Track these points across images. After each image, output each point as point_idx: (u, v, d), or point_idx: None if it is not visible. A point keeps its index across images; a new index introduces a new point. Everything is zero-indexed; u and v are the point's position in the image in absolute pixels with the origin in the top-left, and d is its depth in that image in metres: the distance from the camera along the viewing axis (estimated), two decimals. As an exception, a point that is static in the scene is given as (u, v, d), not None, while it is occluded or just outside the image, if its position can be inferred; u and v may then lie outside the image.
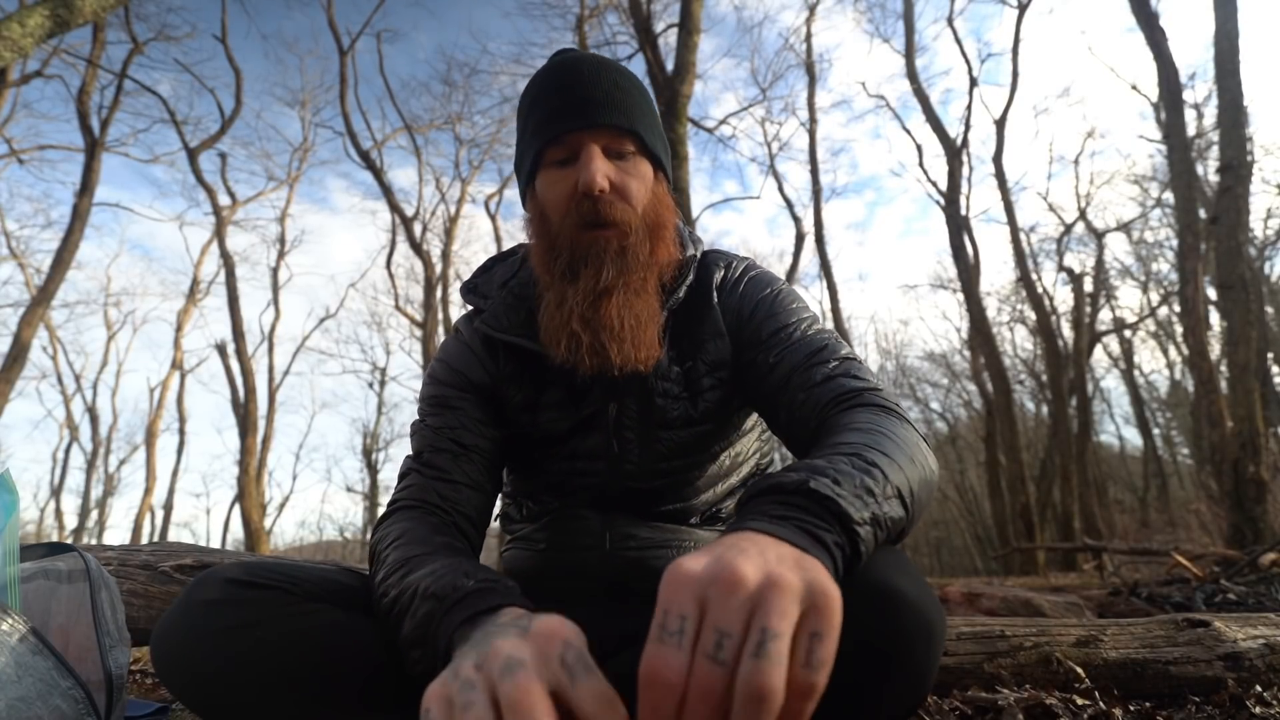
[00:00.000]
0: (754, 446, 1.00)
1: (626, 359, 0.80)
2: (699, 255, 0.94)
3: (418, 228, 15.61)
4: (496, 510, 0.96)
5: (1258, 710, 1.16)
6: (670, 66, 7.31)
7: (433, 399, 0.91)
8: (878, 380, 0.77)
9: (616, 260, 0.81)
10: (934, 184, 13.72)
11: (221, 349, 14.17)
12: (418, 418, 0.92)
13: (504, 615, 0.54)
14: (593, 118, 0.82)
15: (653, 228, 0.85)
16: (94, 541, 7.43)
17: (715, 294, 0.91)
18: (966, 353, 18.22)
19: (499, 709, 0.39)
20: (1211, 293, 7.37)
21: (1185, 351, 12.39)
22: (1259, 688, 1.26)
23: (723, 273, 0.93)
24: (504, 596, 0.57)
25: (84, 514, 19.98)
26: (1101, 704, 1.20)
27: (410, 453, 0.88)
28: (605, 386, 0.87)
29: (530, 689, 0.39)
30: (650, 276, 0.84)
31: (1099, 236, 16.07)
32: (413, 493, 0.82)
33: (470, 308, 0.98)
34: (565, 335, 0.81)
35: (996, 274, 39.89)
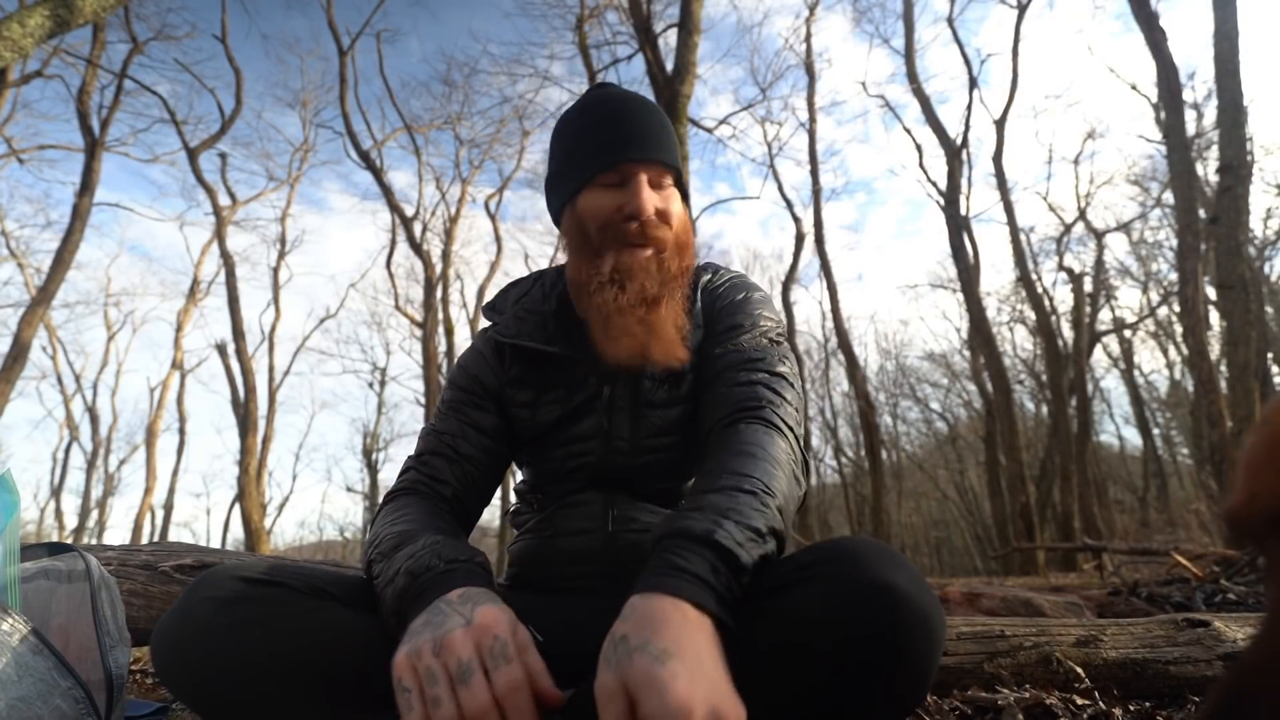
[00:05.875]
0: None
1: (667, 357, 0.90)
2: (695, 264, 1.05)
3: (418, 228, 15.61)
4: (498, 512, 1.01)
5: (1258, 710, 1.16)
6: (670, 66, 7.31)
7: (445, 403, 1.02)
8: (792, 399, 0.87)
9: (658, 274, 0.93)
10: (934, 184, 13.74)
11: (221, 349, 14.17)
12: (431, 421, 1.02)
13: (455, 594, 0.63)
14: (646, 153, 0.93)
15: (681, 247, 0.96)
16: (94, 541, 7.43)
17: (699, 292, 1.03)
18: (966, 353, 18.24)
19: (460, 709, 0.51)
20: (1211, 293, 7.37)
21: (1185, 351, 12.40)
22: (1259, 687, 1.26)
23: (710, 276, 1.06)
24: (465, 578, 0.66)
25: (84, 514, 20.00)
26: (1101, 704, 1.20)
27: (413, 453, 0.98)
28: (601, 374, 0.95)
29: (485, 700, 0.50)
30: (680, 287, 0.96)
31: (1099, 236, 16.08)
32: (409, 479, 0.93)
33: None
34: (624, 336, 0.90)
35: (997, 274, 39.88)
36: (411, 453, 0.98)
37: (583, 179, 0.95)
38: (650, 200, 0.92)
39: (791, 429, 0.83)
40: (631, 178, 0.93)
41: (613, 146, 0.94)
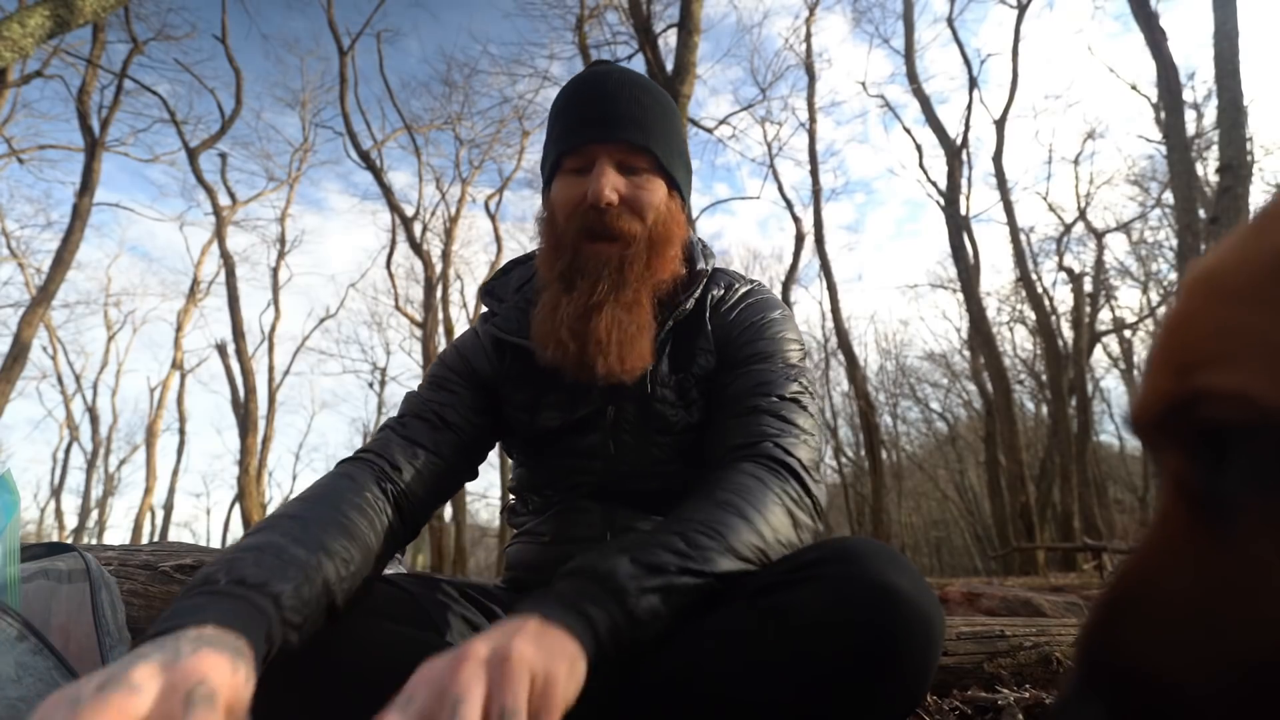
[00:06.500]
0: None
1: (611, 371, 0.82)
2: (710, 271, 0.97)
3: (418, 228, 15.58)
4: (498, 511, 0.98)
5: (1257, 710, 1.16)
6: (670, 66, 7.32)
7: (433, 378, 0.95)
8: (804, 424, 0.78)
9: (613, 275, 0.85)
10: (934, 184, 13.73)
11: (221, 349, 14.17)
12: (415, 389, 0.95)
13: (190, 633, 0.51)
14: (609, 133, 0.85)
15: (656, 242, 0.87)
16: (94, 541, 7.43)
17: (708, 311, 0.93)
18: (966, 353, 18.22)
19: None
20: (1211, 293, 7.34)
21: (1185, 351, 12.34)
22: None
23: (721, 292, 0.95)
24: (207, 615, 0.53)
25: (84, 514, 20.00)
26: (1101, 704, 1.20)
27: (394, 415, 0.91)
28: (605, 390, 0.89)
29: None
30: (644, 290, 0.87)
31: (1099, 236, 16.07)
32: (376, 445, 0.84)
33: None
34: (553, 342, 0.84)
35: (997, 274, 39.89)
36: (394, 415, 0.92)
37: (554, 165, 0.89)
38: (612, 185, 0.83)
39: (799, 463, 0.74)
40: (595, 161, 0.85)
41: (578, 128, 0.86)
